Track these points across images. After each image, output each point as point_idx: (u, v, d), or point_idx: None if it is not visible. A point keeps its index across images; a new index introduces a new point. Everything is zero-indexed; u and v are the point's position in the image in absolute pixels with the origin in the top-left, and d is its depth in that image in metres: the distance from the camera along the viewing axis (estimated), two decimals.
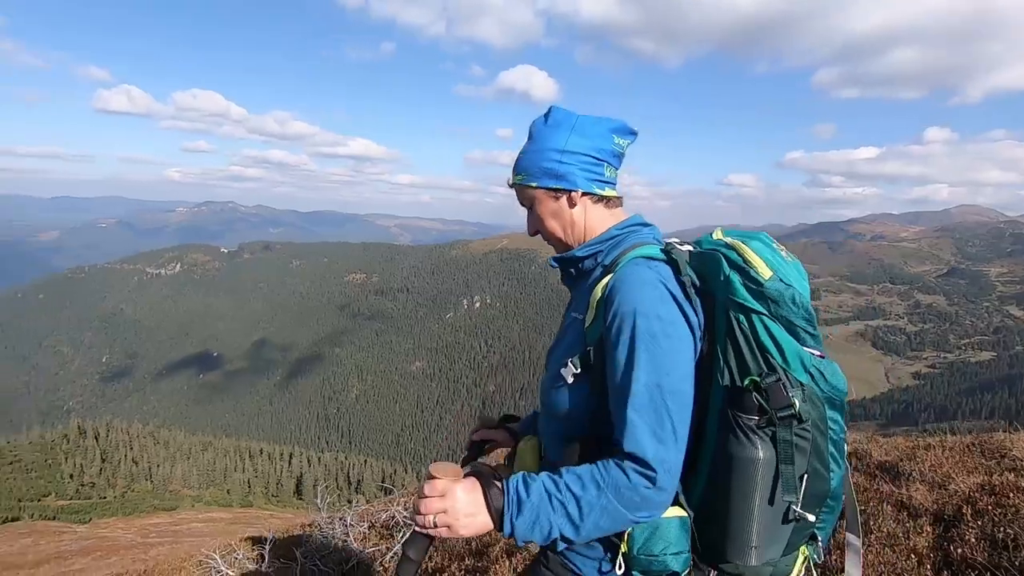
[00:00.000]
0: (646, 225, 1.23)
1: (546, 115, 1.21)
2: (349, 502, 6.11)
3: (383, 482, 53.52)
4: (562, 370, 1.12)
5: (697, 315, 1.05)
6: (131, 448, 48.76)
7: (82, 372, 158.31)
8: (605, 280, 1.09)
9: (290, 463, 49.98)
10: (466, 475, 1.04)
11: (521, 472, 1.03)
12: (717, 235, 1.11)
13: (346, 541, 4.43)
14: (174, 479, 45.29)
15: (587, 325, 1.10)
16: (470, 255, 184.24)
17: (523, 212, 1.27)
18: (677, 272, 1.07)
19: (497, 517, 0.99)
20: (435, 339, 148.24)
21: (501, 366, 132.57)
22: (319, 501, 5.48)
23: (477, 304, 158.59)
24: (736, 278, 1.00)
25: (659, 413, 0.98)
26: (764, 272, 0.98)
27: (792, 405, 0.94)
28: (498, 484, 1.01)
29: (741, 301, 0.99)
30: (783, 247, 1.07)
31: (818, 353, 1.03)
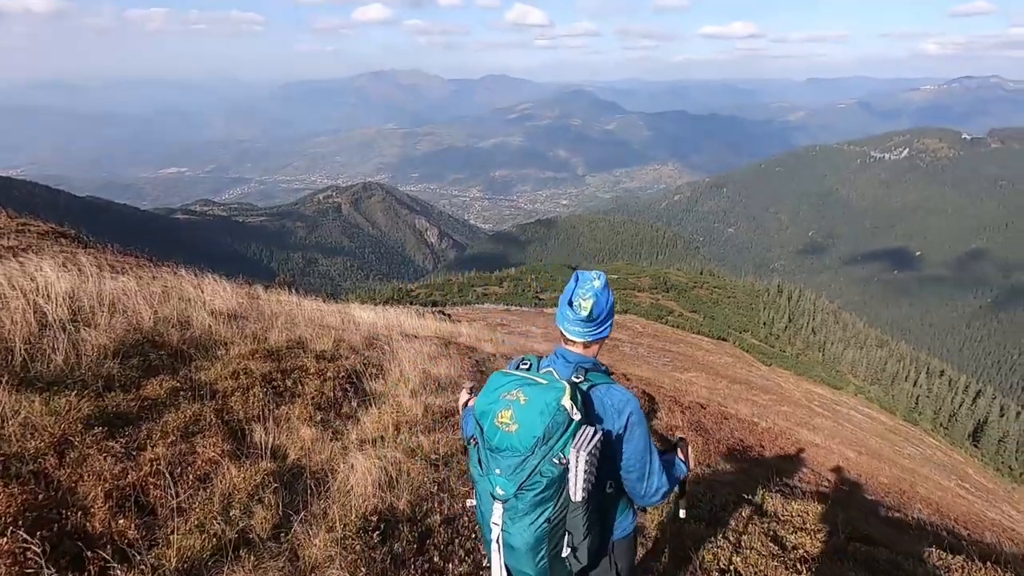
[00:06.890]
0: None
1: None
2: None
3: None
4: None
5: None
6: (813, 319, 53.19)
7: (790, 240, 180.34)
8: None
9: (974, 401, 42.15)
10: None
11: None
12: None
13: None
14: (843, 361, 46.92)
15: None
16: None
17: None
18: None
19: None
20: None
21: None
22: None
23: None
24: None
25: None
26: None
27: None
28: None
29: None
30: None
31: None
